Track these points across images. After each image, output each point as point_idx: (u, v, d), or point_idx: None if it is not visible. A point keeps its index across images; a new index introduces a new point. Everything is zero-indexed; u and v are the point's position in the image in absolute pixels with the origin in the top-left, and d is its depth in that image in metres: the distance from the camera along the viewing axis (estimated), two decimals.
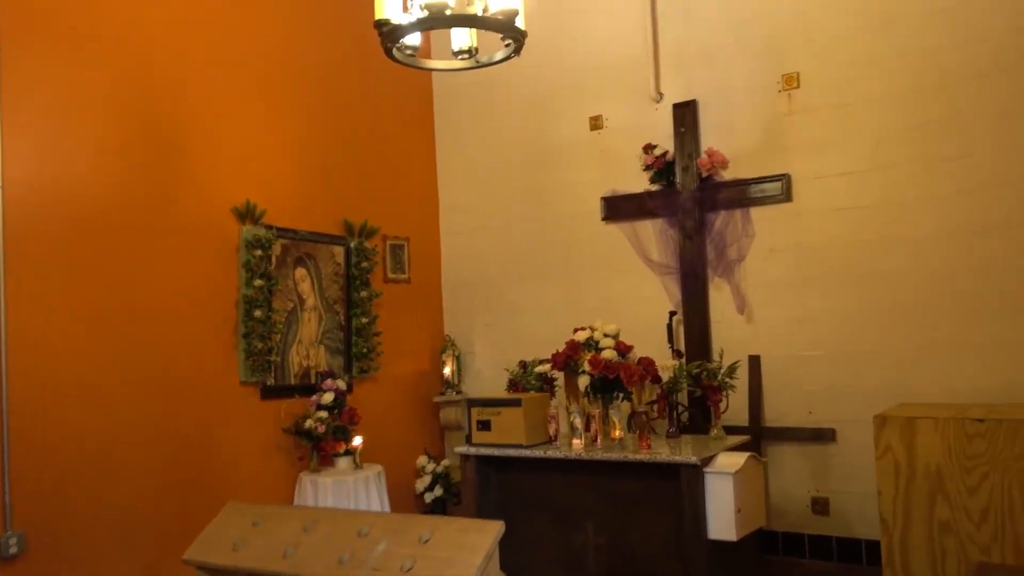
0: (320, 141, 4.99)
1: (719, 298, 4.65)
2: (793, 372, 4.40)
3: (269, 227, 4.56)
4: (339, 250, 5.03)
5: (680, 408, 4.16)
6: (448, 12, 3.01)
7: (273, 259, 4.58)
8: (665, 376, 3.98)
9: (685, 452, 3.52)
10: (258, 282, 4.45)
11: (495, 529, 2.61)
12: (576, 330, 4.18)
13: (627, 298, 4.91)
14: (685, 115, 4.77)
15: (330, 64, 5.09)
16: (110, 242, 3.85)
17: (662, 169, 4.80)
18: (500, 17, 3.08)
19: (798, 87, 4.44)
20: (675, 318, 4.69)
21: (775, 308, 4.49)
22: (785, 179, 4.44)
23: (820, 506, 4.29)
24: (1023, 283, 3.82)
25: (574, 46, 5.18)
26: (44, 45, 3.67)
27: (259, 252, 4.48)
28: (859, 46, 4.29)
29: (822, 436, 4.27)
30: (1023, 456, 3.17)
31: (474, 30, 3.35)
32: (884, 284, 4.18)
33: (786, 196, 4.44)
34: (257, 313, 4.43)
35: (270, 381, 4.52)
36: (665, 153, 4.80)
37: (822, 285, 4.35)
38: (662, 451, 3.60)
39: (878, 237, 4.21)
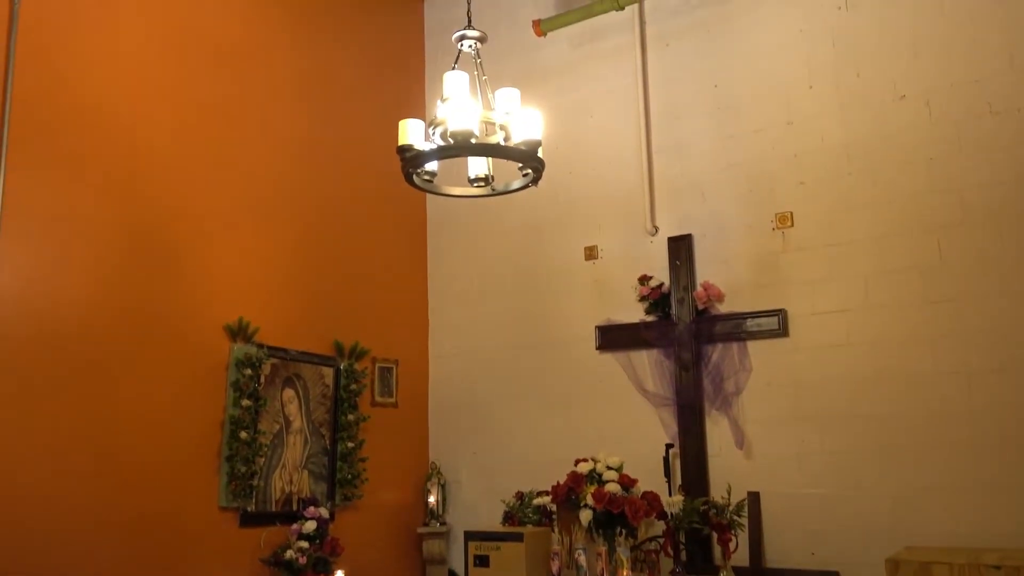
0: (314, 260, 4.96)
1: (716, 432, 4.59)
2: (793, 510, 4.30)
3: (260, 346, 4.45)
4: (328, 371, 4.91)
5: (681, 546, 4.02)
6: (473, 141, 3.06)
7: (262, 379, 4.44)
8: (670, 512, 3.86)
9: None
10: (246, 402, 4.30)
11: None
12: (578, 461, 4.07)
13: (621, 429, 4.82)
14: (680, 248, 4.85)
15: (325, 184, 5.12)
16: (96, 358, 3.72)
17: (658, 300, 4.83)
18: (522, 147, 3.15)
19: (792, 226, 4.57)
20: (672, 451, 4.60)
21: (773, 444, 4.43)
22: (781, 314, 4.49)
23: None
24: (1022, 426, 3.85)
25: (570, 177, 5.29)
26: (45, 159, 3.64)
27: (249, 371, 4.34)
28: (848, 190, 4.44)
29: None
30: None
31: (491, 158, 3.41)
32: (881, 423, 4.17)
33: (783, 331, 4.48)
34: (243, 435, 4.25)
35: (251, 507, 4.28)
36: (661, 285, 4.84)
37: (820, 422, 4.33)
38: None
39: (874, 375, 4.23)
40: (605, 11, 5.07)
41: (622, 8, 5.04)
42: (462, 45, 3.44)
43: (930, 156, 4.24)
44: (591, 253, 5.20)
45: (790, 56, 4.71)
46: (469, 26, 3.42)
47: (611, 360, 4.98)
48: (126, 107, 4.03)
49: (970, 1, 4.23)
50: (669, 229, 4.94)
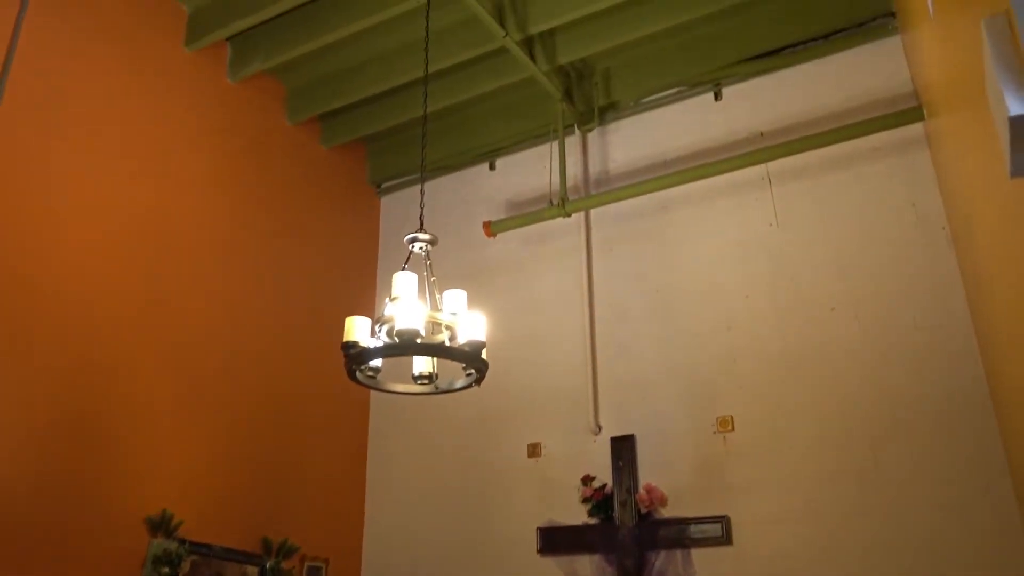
0: (247, 450, 4.80)
1: None
2: None
3: (182, 541, 4.19)
4: (253, 571, 4.61)
5: None
6: (418, 341, 3.09)
7: None
8: None
9: None
10: None
11: None
12: None
13: None
14: (623, 449, 4.83)
15: (263, 373, 5.03)
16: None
17: (601, 502, 4.74)
18: (467, 348, 3.19)
19: (733, 430, 4.61)
20: None
21: None
22: (724, 521, 4.43)
23: None
24: None
25: (513, 372, 5.30)
26: None
27: (166, 570, 4.06)
28: (786, 396, 4.55)
29: None
30: None
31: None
32: None
33: (726, 539, 4.39)
34: None
35: None
36: (604, 486, 4.77)
37: None
38: None
39: None
40: (553, 217, 5.33)
41: (569, 215, 5.31)
42: (413, 247, 3.55)
43: (862, 366, 4.39)
44: (534, 451, 5.14)
45: (727, 266, 4.95)
46: (421, 229, 3.55)
47: (552, 566, 4.79)
48: (60, 290, 3.99)
49: (889, 226, 4.56)
50: (612, 429, 4.94)
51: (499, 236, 5.59)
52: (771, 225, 4.91)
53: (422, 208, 3.63)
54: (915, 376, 4.25)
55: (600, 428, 4.99)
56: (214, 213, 4.95)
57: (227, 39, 5.24)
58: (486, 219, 5.61)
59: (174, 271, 4.60)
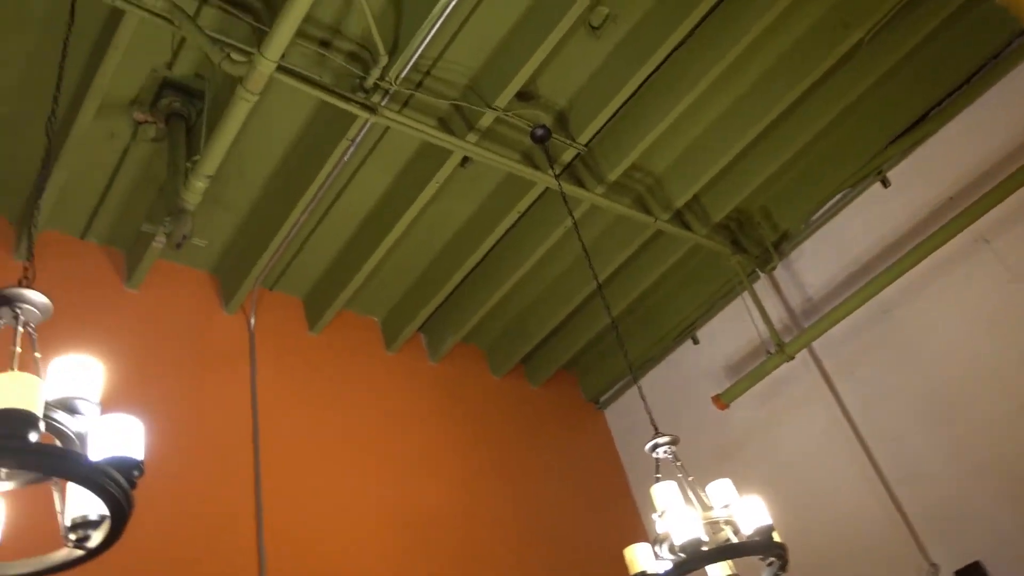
0: None
1: None
2: None
3: None
4: None
5: None
6: (704, 548, 2.92)
7: None
8: None
9: None
10: None
11: None
12: None
13: None
14: None
15: None
16: None
17: None
18: (757, 538, 2.97)
19: None
20: None
21: None
22: None
23: None
24: None
25: (810, 540, 4.77)
26: None
27: None
28: None
29: None
30: None
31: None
32: None
33: None
34: None
35: None
36: None
37: None
38: None
39: None
40: (776, 366, 5.09)
41: (792, 357, 5.05)
42: (657, 452, 3.44)
43: None
44: None
45: (988, 341, 4.46)
46: (657, 433, 3.43)
47: None
48: None
49: None
50: (951, 561, 4.32)
51: (732, 405, 5.36)
52: (1010, 282, 4.43)
53: (650, 414, 3.54)
54: None
55: (936, 566, 4.37)
56: (453, 488, 5.03)
57: (418, 330, 5.66)
58: (712, 393, 5.43)
59: (429, 558, 4.65)
